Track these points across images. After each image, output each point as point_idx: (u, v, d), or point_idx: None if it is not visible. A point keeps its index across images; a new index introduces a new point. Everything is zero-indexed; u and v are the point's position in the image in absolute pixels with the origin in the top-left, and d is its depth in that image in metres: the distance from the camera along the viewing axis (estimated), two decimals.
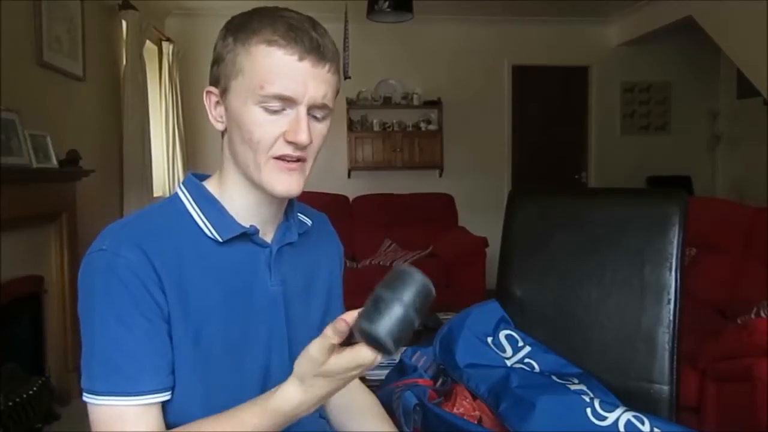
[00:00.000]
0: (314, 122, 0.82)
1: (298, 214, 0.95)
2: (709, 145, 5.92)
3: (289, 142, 0.79)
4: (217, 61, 0.84)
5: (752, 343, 2.13)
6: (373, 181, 5.44)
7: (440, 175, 5.67)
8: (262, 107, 0.79)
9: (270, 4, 0.85)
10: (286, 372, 0.78)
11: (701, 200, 3.74)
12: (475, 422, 1.11)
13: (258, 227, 0.87)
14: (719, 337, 2.36)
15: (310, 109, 0.80)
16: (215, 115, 0.86)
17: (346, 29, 4.15)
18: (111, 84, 4.03)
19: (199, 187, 0.87)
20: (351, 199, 5.07)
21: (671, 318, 1.30)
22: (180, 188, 0.89)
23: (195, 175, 0.92)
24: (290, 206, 0.94)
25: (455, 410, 1.12)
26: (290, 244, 0.91)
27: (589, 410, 1.04)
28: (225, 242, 0.84)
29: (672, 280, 1.31)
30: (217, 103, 0.85)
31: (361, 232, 4.91)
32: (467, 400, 1.14)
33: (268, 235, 0.89)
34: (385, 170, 5.51)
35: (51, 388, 2.68)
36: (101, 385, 0.75)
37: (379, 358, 0.69)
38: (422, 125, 5.56)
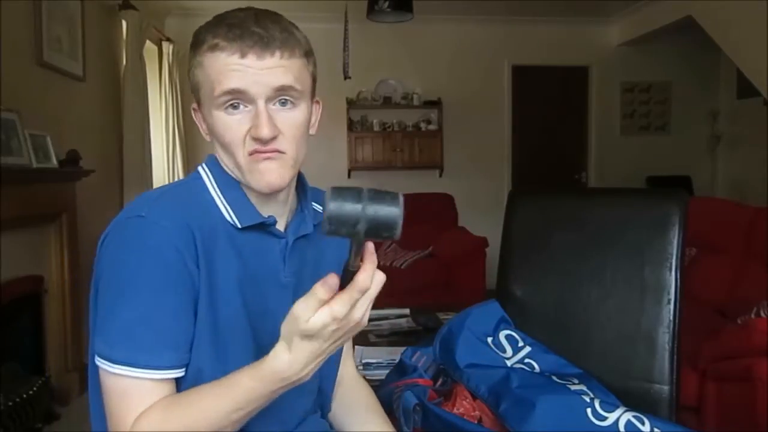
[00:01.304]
0: (282, 111, 0.81)
1: (312, 203, 0.94)
2: (709, 145, 5.92)
3: (254, 138, 0.80)
4: (188, 77, 0.85)
5: (752, 343, 2.13)
6: (373, 181, 5.43)
7: (440, 175, 5.67)
8: (223, 110, 0.80)
9: (262, 5, 0.85)
10: None
11: (701, 200, 3.74)
12: (475, 422, 1.11)
13: (276, 218, 0.87)
14: (719, 337, 2.36)
15: (272, 99, 0.80)
16: (204, 129, 0.88)
17: (346, 29, 4.16)
18: (111, 84, 4.03)
19: (221, 170, 0.87)
20: None
21: (671, 318, 1.30)
22: (202, 167, 0.89)
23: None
24: (304, 193, 0.93)
25: (455, 410, 1.12)
26: (305, 236, 0.90)
27: (589, 410, 1.04)
28: (243, 229, 0.84)
29: (672, 280, 1.31)
30: (203, 118, 0.86)
31: None
32: (467, 400, 1.14)
33: (280, 223, 0.89)
34: (385, 170, 5.51)
35: (51, 388, 2.68)
36: (119, 354, 0.74)
37: (357, 315, 0.66)
38: (422, 125, 5.56)
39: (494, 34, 5.64)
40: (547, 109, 5.85)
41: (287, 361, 0.69)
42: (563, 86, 5.86)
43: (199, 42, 0.81)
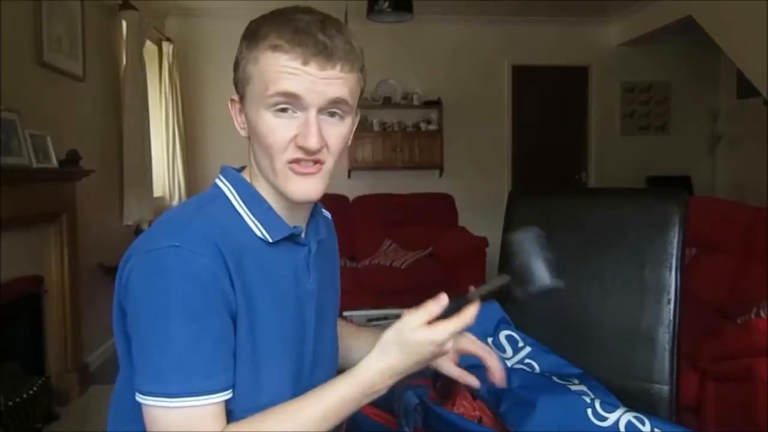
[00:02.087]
0: (330, 123, 0.80)
1: (321, 208, 0.96)
2: (709, 145, 5.92)
3: (299, 147, 0.78)
4: (235, 68, 0.83)
5: (752, 343, 2.13)
6: (373, 181, 5.43)
7: (440, 175, 5.67)
8: (271, 111, 0.78)
9: (271, 6, 0.84)
10: (314, 365, 0.85)
11: (701, 200, 3.74)
12: (476, 422, 1.11)
13: (301, 227, 0.87)
14: (719, 337, 2.36)
15: (323, 109, 0.79)
16: (239, 123, 0.85)
17: None
18: (111, 84, 4.03)
19: (244, 183, 0.85)
20: (351, 199, 5.07)
21: (671, 318, 1.30)
22: (222, 182, 0.86)
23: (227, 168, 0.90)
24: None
25: (455, 410, 1.11)
26: (320, 241, 0.91)
27: (589, 411, 1.04)
28: (274, 243, 0.83)
29: (672, 280, 1.30)
30: (240, 110, 0.84)
31: (361, 232, 4.91)
32: (467, 400, 1.14)
33: (303, 233, 0.89)
34: (385, 170, 5.51)
35: (51, 388, 2.68)
36: (177, 388, 0.72)
37: (448, 346, 0.79)
38: (422, 125, 5.56)
39: (494, 34, 5.64)
40: (547, 109, 5.85)
41: (374, 369, 0.77)
42: (563, 86, 5.86)
43: (258, 37, 0.78)
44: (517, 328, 1.38)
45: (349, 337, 1.07)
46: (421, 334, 0.76)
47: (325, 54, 0.76)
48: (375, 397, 0.78)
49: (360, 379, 0.78)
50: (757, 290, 2.72)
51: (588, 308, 1.36)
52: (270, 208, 0.84)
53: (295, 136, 0.78)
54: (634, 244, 1.35)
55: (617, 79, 5.87)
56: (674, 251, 1.31)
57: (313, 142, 0.77)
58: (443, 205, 5.13)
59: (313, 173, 0.80)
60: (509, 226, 1.52)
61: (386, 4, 3.64)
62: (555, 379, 1.18)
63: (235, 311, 0.77)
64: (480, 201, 5.49)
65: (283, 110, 0.78)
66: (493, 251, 2.79)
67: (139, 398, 0.74)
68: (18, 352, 2.63)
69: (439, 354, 0.79)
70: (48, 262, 2.88)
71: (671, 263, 1.31)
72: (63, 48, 3.22)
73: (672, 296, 1.30)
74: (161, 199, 4.82)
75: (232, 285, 0.76)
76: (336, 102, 0.79)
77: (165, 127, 4.85)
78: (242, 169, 0.90)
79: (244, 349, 0.78)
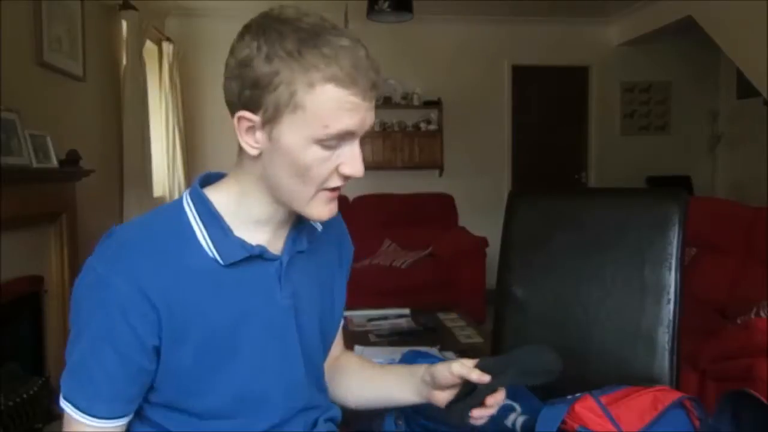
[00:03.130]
0: None
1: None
2: (709, 145, 5.92)
3: (345, 176, 0.80)
4: (257, 84, 0.74)
5: (752, 343, 2.13)
6: (372, 181, 5.42)
7: (440, 175, 5.67)
8: (321, 144, 0.76)
9: (268, 5, 0.82)
10: (305, 380, 0.87)
11: (701, 200, 3.74)
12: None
13: (265, 245, 0.85)
14: (719, 337, 2.36)
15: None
16: (248, 141, 0.78)
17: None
18: (111, 84, 4.03)
19: (205, 202, 0.83)
20: (351, 199, 5.07)
21: (671, 318, 1.30)
22: (186, 199, 0.84)
23: (208, 176, 0.89)
24: None
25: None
26: (300, 252, 0.89)
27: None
28: (229, 265, 0.82)
29: (672, 280, 1.30)
30: (251, 128, 0.77)
31: (361, 232, 4.87)
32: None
33: (278, 242, 0.87)
34: (385, 170, 5.51)
35: (51, 388, 2.68)
36: (66, 391, 0.80)
37: None
38: (422, 125, 5.56)
39: (494, 34, 5.64)
40: (547, 108, 5.85)
41: None
42: (563, 86, 5.86)
43: (312, 65, 0.73)
44: (518, 328, 1.39)
45: (379, 378, 1.07)
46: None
47: (375, 89, 0.77)
48: None
49: None
50: (757, 290, 2.72)
51: (588, 308, 1.36)
52: (226, 228, 0.82)
53: (339, 165, 0.79)
54: (634, 244, 1.35)
55: (617, 79, 5.86)
56: (674, 251, 1.31)
57: (361, 170, 0.81)
58: (443, 205, 5.13)
59: (338, 196, 0.84)
60: (509, 226, 1.52)
61: (386, 4, 3.64)
62: None
63: (152, 345, 0.78)
64: (480, 201, 5.48)
65: (333, 148, 0.78)
66: (493, 251, 2.78)
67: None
68: (18, 352, 2.62)
69: None
70: (48, 262, 2.87)
71: (671, 263, 1.31)
72: (63, 48, 3.22)
73: (672, 296, 1.30)
74: (161, 199, 4.82)
75: (156, 314, 0.77)
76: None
77: (165, 127, 4.84)
78: (222, 175, 0.88)
79: (186, 370, 0.81)
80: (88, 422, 0.79)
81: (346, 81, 0.73)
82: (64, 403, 0.80)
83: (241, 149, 0.81)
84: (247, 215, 0.84)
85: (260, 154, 0.79)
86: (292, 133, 0.75)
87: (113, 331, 0.76)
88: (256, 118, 0.76)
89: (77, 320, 0.79)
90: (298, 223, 0.90)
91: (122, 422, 0.82)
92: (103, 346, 0.77)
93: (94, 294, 0.77)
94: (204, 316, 0.80)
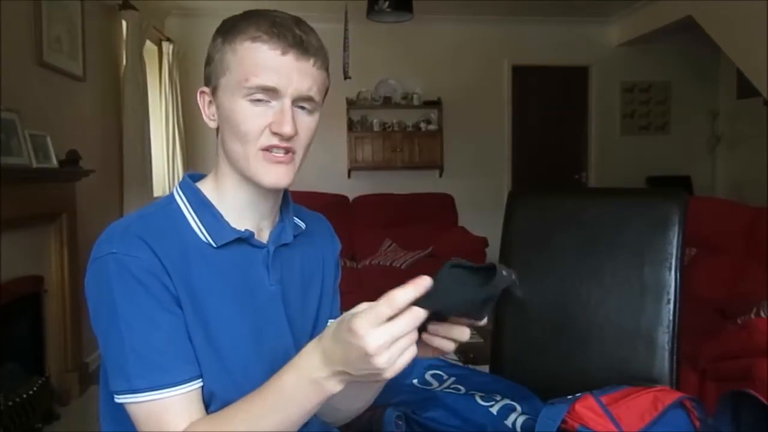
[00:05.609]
0: (302, 115, 0.84)
1: (294, 217, 0.97)
2: (709, 145, 5.92)
3: (275, 133, 0.82)
4: (208, 61, 0.86)
5: (752, 343, 2.13)
6: (373, 181, 5.44)
7: (440, 175, 5.67)
8: (248, 100, 0.81)
9: (267, 5, 0.87)
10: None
11: (701, 200, 3.74)
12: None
13: (253, 230, 0.88)
14: (719, 337, 2.36)
15: (296, 101, 0.82)
16: (208, 114, 0.89)
17: (346, 29, 4.16)
18: (111, 84, 4.03)
19: (195, 191, 0.89)
20: (351, 199, 5.07)
21: (671, 318, 1.30)
22: (176, 191, 0.90)
23: (192, 176, 0.93)
24: (286, 207, 0.95)
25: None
26: (286, 244, 0.92)
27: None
28: (220, 246, 0.85)
29: (672, 280, 1.31)
30: (210, 102, 0.88)
31: (361, 232, 4.91)
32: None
33: (264, 233, 0.91)
34: (385, 170, 5.51)
35: (51, 388, 2.68)
36: (140, 383, 0.76)
37: (382, 352, 0.63)
38: (422, 125, 5.56)
39: (494, 34, 5.64)
40: (547, 109, 5.85)
41: (310, 350, 0.71)
42: (563, 86, 5.86)
43: (236, 30, 0.82)
44: (517, 328, 1.38)
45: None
46: (350, 336, 0.64)
47: (301, 47, 0.81)
48: (324, 395, 0.70)
49: (294, 362, 0.72)
50: (757, 290, 2.72)
51: (588, 308, 1.37)
52: (217, 213, 0.87)
53: (270, 124, 0.82)
54: (634, 244, 1.35)
55: (617, 79, 5.87)
56: (674, 251, 1.32)
57: (288, 129, 0.81)
58: (443, 205, 5.13)
59: (284, 162, 0.83)
60: (509, 226, 1.53)
61: (386, 4, 3.63)
62: (477, 395, 1.23)
63: (179, 302, 0.80)
64: (480, 201, 5.49)
65: (260, 100, 0.81)
66: (492, 251, 2.79)
67: (116, 399, 0.78)
68: (18, 352, 2.62)
69: (374, 371, 0.64)
70: (48, 262, 2.88)
71: (671, 263, 1.31)
72: (63, 48, 3.22)
73: (672, 296, 1.30)
74: (158, 198, 4.82)
75: (173, 281, 0.80)
76: (307, 99, 0.83)
77: (165, 127, 4.84)
78: (204, 177, 0.94)
79: (202, 349, 0.81)
80: (178, 392, 0.76)
81: (264, 37, 0.80)
82: (138, 403, 0.76)
83: (217, 137, 0.90)
84: (231, 201, 0.88)
85: (219, 128, 0.88)
86: (226, 95, 0.83)
87: (156, 296, 0.78)
88: (208, 90, 0.87)
89: (112, 311, 0.77)
90: (283, 218, 0.94)
91: (201, 383, 0.80)
92: (152, 311, 0.77)
93: (122, 270, 0.77)
94: (201, 293, 0.82)
